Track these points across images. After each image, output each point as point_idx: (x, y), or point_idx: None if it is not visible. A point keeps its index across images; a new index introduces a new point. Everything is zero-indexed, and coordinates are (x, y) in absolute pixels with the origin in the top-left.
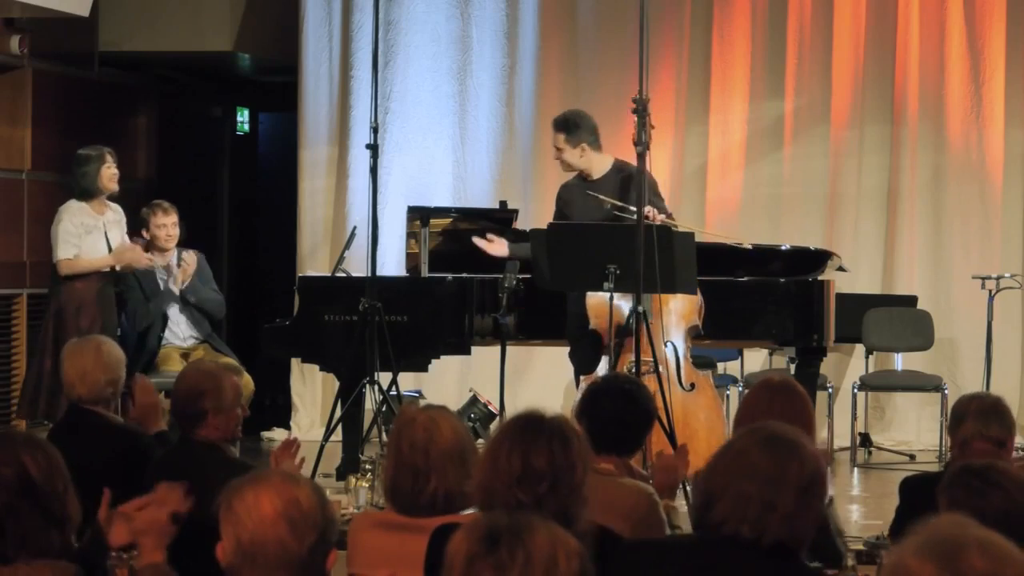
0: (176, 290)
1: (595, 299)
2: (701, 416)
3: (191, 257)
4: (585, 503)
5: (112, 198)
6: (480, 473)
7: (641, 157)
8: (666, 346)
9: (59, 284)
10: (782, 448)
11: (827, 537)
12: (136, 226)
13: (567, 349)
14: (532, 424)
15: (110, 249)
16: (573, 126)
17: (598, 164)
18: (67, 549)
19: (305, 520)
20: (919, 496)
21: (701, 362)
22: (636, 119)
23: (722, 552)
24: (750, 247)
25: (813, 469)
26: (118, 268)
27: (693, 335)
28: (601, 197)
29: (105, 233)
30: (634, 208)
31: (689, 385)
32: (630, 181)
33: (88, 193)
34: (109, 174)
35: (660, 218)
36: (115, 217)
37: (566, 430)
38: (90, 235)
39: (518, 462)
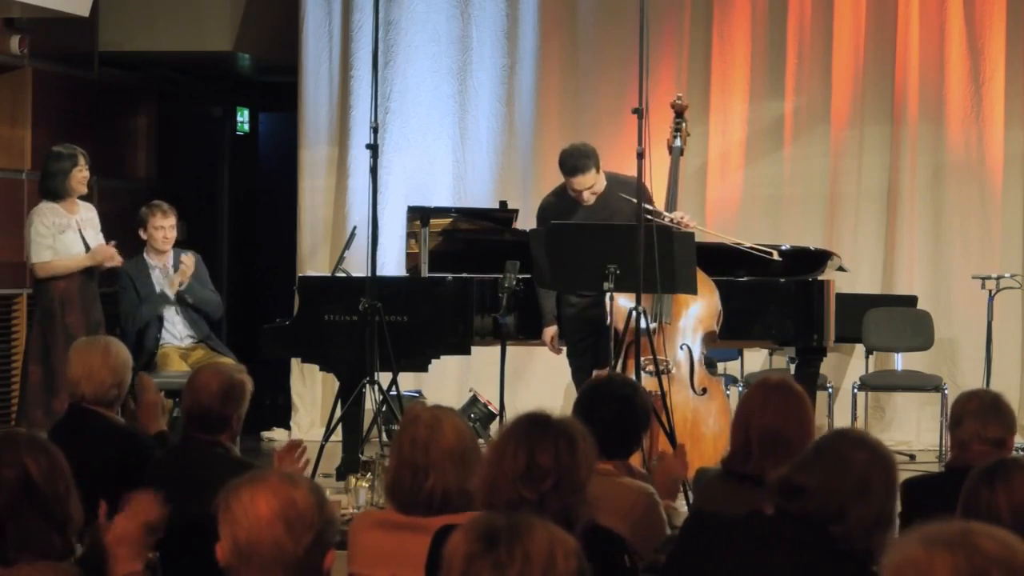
0: (171, 293)
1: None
2: (711, 421)
3: (189, 259)
4: (587, 504)
5: (89, 198)
6: (485, 469)
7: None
8: (681, 349)
9: (41, 285)
10: (869, 450)
11: None
12: (134, 225)
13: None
14: (539, 423)
15: (87, 247)
16: (596, 157)
17: (601, 183)
18: (69, 550)
19: (301, 520)
20: (921, 497)
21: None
22: (672, 121)
23: (806, 539)
24: (777, 256)
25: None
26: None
27: (709, 340)
28: (644, 205)
29: (80, 232)
30: (665, 212)
31: (701, 390)
32: (626, 189)
33: (56, 194)
34: (80, 176)
35: (692, 224)
36: (89, 215)
37: (573, 431)
38: (64, 235)
39: (523, 459)
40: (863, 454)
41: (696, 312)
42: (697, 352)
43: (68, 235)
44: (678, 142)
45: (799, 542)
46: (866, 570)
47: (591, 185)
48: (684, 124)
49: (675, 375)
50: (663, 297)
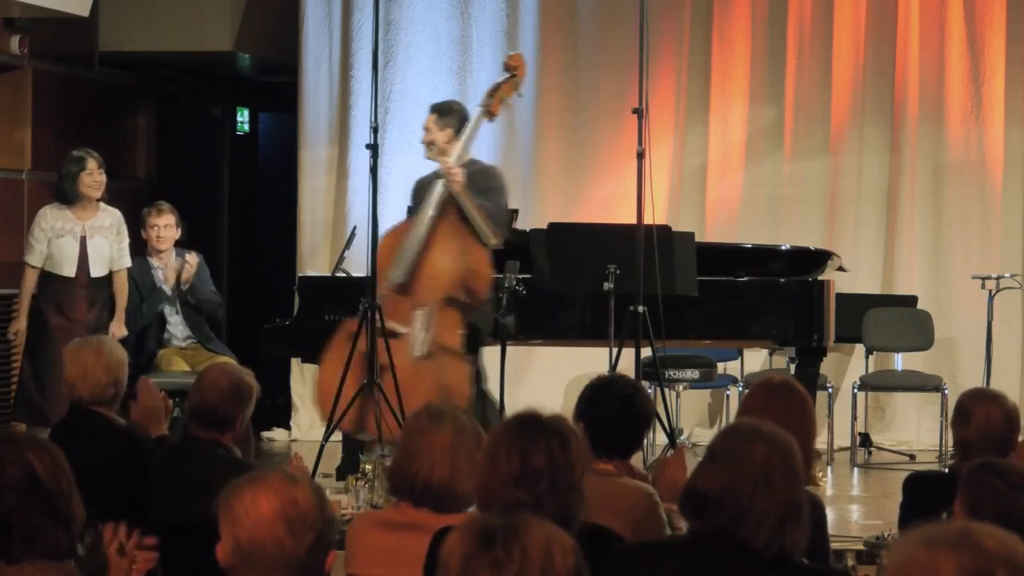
0: (168, 289)
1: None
2: (422, 387)
3: (193, 259)
4: (584, 502)
5: (110, 199)
6: (479, 473)
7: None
8: (419, 311)
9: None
10: (766, 441)
11: (821, 537)
12: (136, 226)
13: (567, 349)
14: (530, 423)
15: (84, 255)
16: (446, 110)
17: (456, 157)
18: (72, 549)
19: (303, 520)
20: (923, 493)
21: (701, 362)
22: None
23: (722, 553)
24: None
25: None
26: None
27: (460, 305)
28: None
29: (83, 238)
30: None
31: (426, 353)
32: (475, 177)
33: (66, 198)
34: (88, 181)
35: (458, 179)
36: (105, 223)
37: (564, 429)
38: (60, 239)
39: (517, 461)
40: (760, 447)
41: (435, 274)
42: (431, 314)
43: (65, 240)
44: (512, 99)
45: (716, 562)
46: (785, 571)
47: (426, 129)
48: (504, 84)
49: (404, 338)
50: (405, 257)
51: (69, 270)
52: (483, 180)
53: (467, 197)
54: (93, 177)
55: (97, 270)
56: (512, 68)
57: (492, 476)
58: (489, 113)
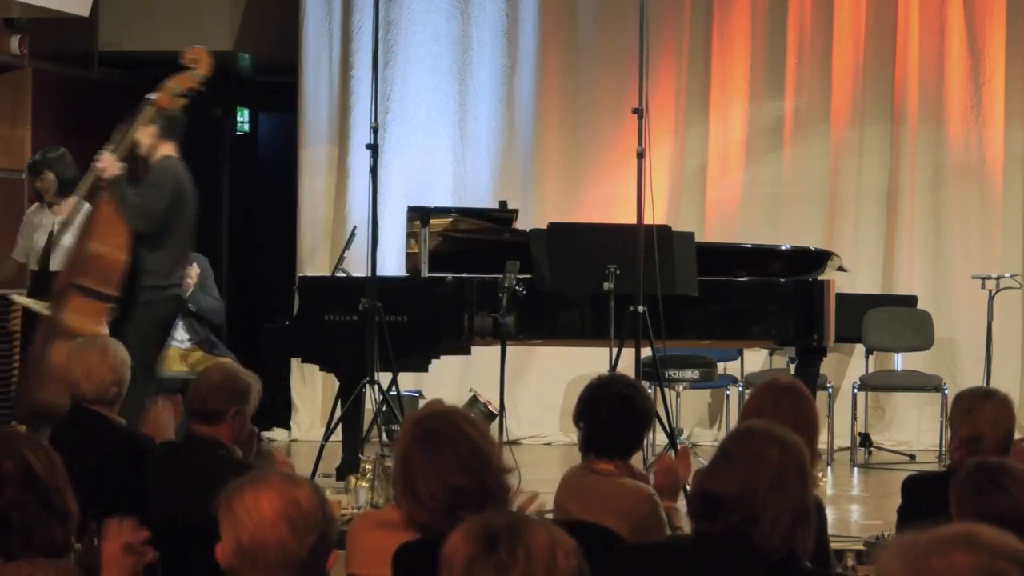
0: None
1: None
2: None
3: (193, 270)
4: (510, 473)
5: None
6: (404, 505)
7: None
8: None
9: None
10: (780, 444)
11: (822, 539)
12: None
13: (567, 349)
14: (430, 442)
15: (48, 248)
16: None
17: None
18: (69, 545)
19: (305, 521)
20: (921, 495)
21: (701, 362)
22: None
23: (728, 555)
24: None
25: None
26: None
27: (90, 293)
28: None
29: (52, 232)
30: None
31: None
32: (151, 171)
33: (38, 196)
34: (38, 185)
35: (113, 169)
36: (76, 219)
37: (464, 428)
38: (36, 233)
39: (439, 490)
40: (775, 449)
41: (70, 258)
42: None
43: (38, 234)
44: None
45: (721, 564)
46: (795, 572)
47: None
48: (176, 78)
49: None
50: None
51: (34, 263)
52: (148, 177)
53: (112, 187)
54: (38, 183)
55: (56, 264)
56: (190, 62)
57: (419, 511)
58: (157, 105)
